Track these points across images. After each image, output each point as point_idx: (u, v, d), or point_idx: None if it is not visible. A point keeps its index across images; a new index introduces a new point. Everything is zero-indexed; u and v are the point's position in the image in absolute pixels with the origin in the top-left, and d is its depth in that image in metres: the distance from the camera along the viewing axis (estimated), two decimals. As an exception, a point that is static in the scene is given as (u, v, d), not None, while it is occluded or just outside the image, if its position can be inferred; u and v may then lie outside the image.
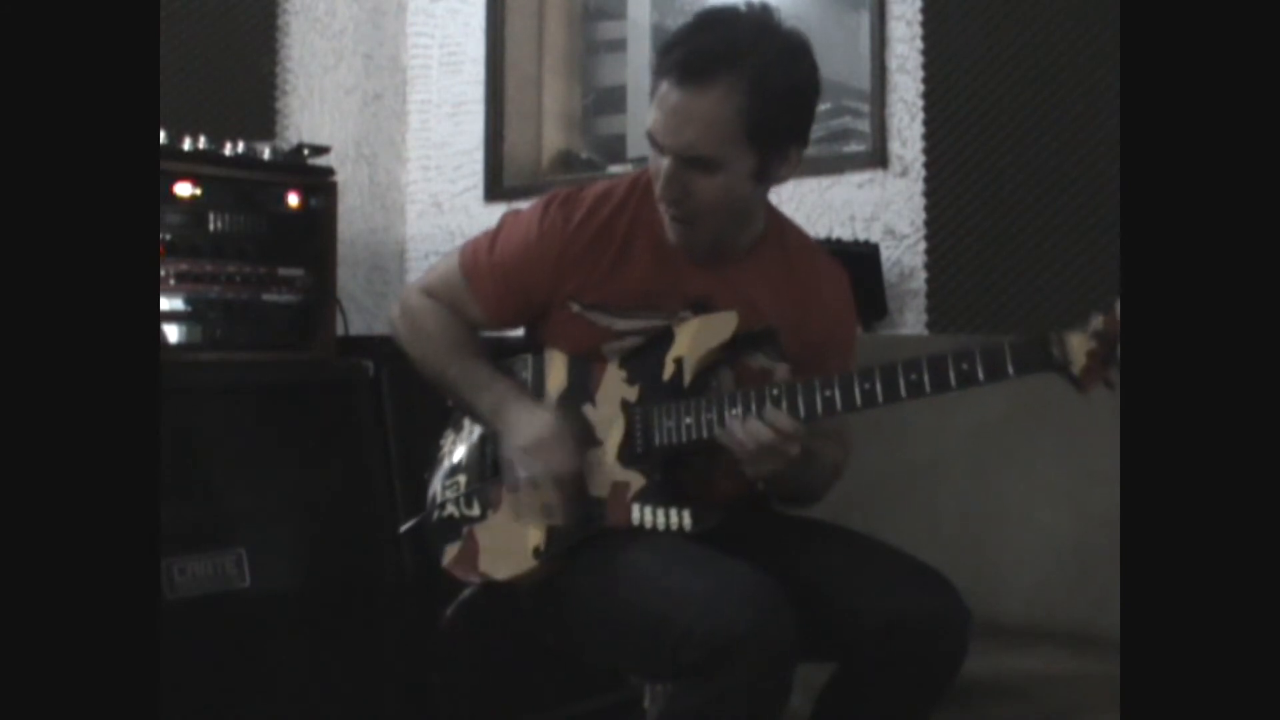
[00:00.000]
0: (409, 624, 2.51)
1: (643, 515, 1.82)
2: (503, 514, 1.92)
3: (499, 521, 1.93)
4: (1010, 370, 1.64)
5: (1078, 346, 1.61)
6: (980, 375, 1.65)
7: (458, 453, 2.01)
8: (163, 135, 2.56)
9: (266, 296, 2.65)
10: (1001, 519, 2.86)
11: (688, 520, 1.79)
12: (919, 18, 3.29)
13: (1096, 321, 1.60)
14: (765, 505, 2.03)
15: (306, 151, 2.76)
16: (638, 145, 4.16)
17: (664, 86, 1.76)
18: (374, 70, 4.22)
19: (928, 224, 3.26)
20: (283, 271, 2.66)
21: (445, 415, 2.06)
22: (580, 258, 1.89)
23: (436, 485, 2.01)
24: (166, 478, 2.00)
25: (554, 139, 4.33)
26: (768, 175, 1.82)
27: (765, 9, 1.80)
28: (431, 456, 2.05)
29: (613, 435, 1.87)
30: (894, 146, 3.34)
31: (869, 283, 3.13)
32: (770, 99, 1.74)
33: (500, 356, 2.02)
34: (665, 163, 1.77)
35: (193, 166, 2.57)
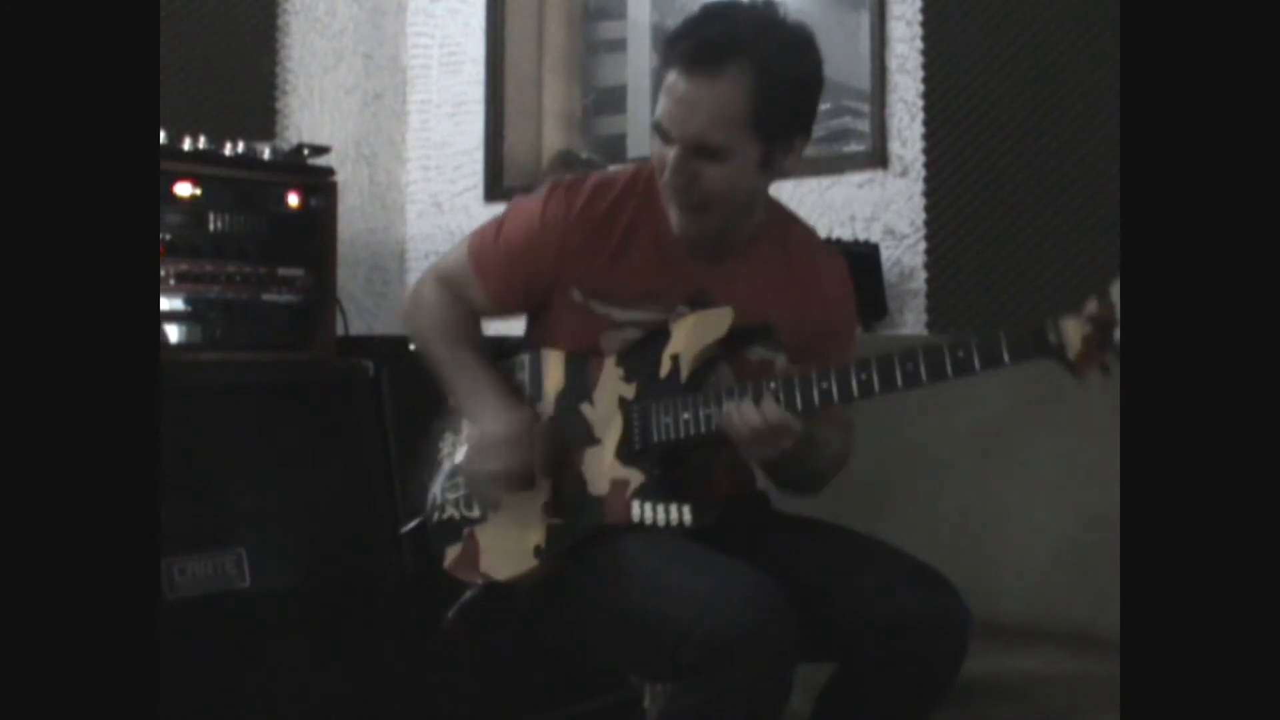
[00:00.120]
0: (409, 624, 2.51)
1: (643, 512, 1.82)
2: (503, 515, 1.93)
3: (499, 522, 1.93)
4: (1006, 358, 1.64)
5: (1073, 332, 1.61)
6: (976, 363, 1.65)
7: (458, 455, 2.01)
8: (163, 135, 2.56)
9: (266, 296, 2.65)
10: (1001, 519, 2.86)
11: (688, 516, 1.79)
12: (919, 18, 3.29)
13: (1091, 306, 1.61)
14: (765, 505, 2.03)
15: (306, 151, 2.76)
16: (638, 145, 4.16)
17: (671, 76, 1.78)
18: (374, 70, 4.22)
19: (928, 224, 3.26)
20: (283, 271, 2.66)
21: (444, 416, 2.06)
22: (583, 244, 1.90)
23: (436, 488, 2.02)
24: (166, 478, 2.00)
25: (554, 139, 4.33)
26: (773, 165, 1.83)
27: (769, 3, 1.82)
28: (430, 459, 2.05)
29: (611, 433, 1.87)
30: (894, 146, 3.34)
31: (869, 283, 3.13)
32: (777, 88, 1.76)
33: (500, 356, 2.02)
34: (673, 152, 1.78)
35: (193, 166, 2.57)
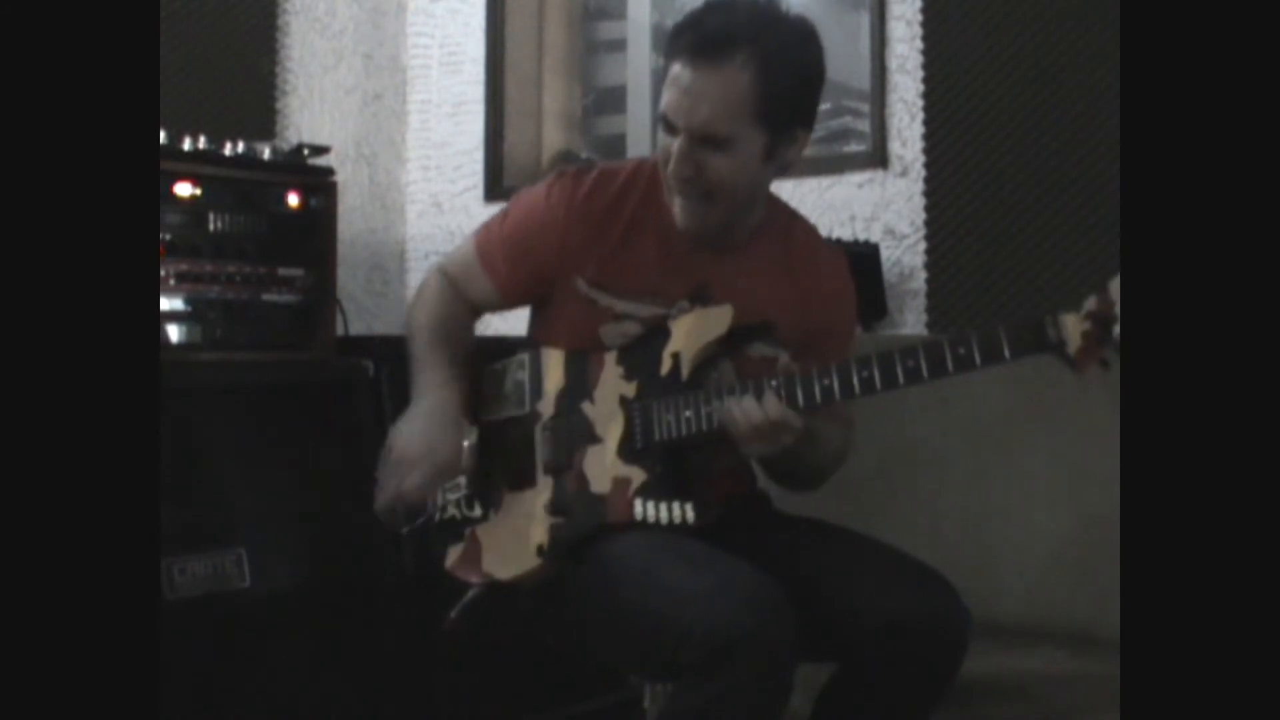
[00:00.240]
0: (409, 624, 2.51)
1: (644, 510, 1.82)
2: (505, 514, 1.92)
3: (501, 522, 1.93)
4: (1006, 353, 1.65)
5: (1072, 327, 1.62)
6: (977, 359, 1.66)
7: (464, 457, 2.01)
8: (163, 135, 2.56)
9: (266, 296, 2.65)
10: (1001, 518, 2.86)
11: (690, 513, 1.79)
12: (919, 18, 3.29)
13: (1090, 302, 1.62)
14: (767, 505, 2.03)
15: (306, 151, 2.76)
16: (638, 145, 4.16)
17: (676, 68, 1.79)
18: (374, 70, 4.22)
19: (928, 224, 3.26)
20: (283, 271, 2.66)
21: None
22: (587, 233, 1.90)
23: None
24: (166, 478, 2.00)
25: (554, 139, 4.33)
26: (776, 157, 1.84)
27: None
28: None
29: (612, 432, 1.87)
30: (894, 146, 3.34)
31: (869, 283, 3.13)
32: (781, 78, 1.77)
33: (500, 356, 2.02)
34: (678, 142, 1.79)
35: (193, 166, 2.57)
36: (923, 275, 3.26)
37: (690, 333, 1.86)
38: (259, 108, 3.85)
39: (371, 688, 2.50)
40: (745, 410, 1.75)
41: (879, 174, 3.36)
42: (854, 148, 3.56)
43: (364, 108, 4.19)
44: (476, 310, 2.05)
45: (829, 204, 3.41)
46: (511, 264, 1.97)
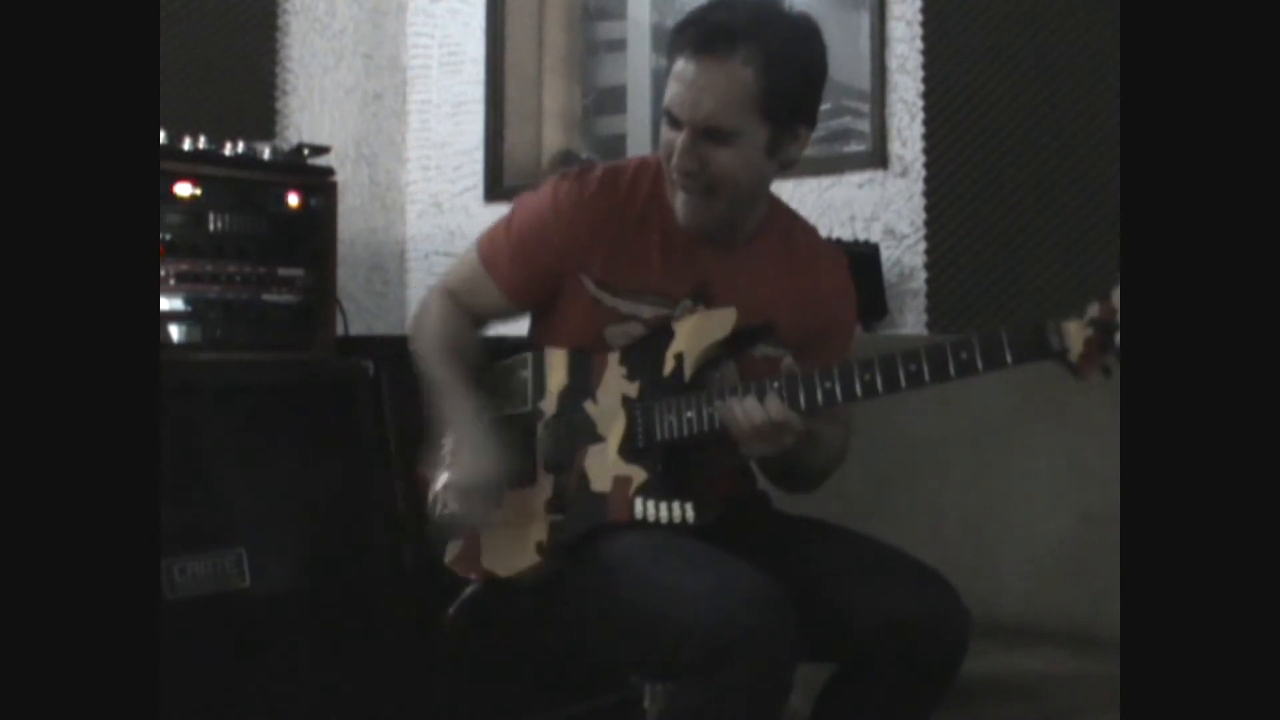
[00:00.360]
0: (409, 624, 2.51)
1: (645, 509, 1.82)
2: (505, 512, 1.93)
3: (501, 519, 1.93)
4: (1008, 358, 1.65)
5: (1075, 334, 1.62)
6: (979, 364, 1.66)
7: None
8: (163, 135, 2.56)
9: (266, 296, 2.65)
10: (1001, 518, 2.85)
11: (690, 513, 1.79)
12: (919, 18, 3.29)
13: (1093, 309, 1.62)
14: (767, 505, 2.03)
15: (306, 151, 2.76)
16: (638, 145, 4.16)
17: (680, 63, 1.80)
18: (374, 70, 4.22)
19: (928, 224, 3.26)
20: (283, 271, 2.67)
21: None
22: (595, 231, 1.90)
23: (439, 485, 2.01)
24: (166, 478, 2.00)
25: (554, 139, 4.33)
26: (778, 153, 1.85)
27: None
28: (431, 460, 2.05)
29: (614, 431, 1.88)
30: (894, 146, 3.34)
31: (869, 283, 3.12)
32: (784, 73, 1.78)
33: (501, 356, 2.02)
34: (682, 136, 1.80)
35: (193, 166, 2.57)
36: (923, 275, 3.26)
37: (694, 334, 1.86)
38: (259, 108, 3.85)
39: (371, 688, 2.51)
40: (747, 411, 1.75)
41: (879, 174, 3.36)
42: (854, 148, 3.56)
43: (364, 108, 4.19)
44: (481, 322, 2.05)
45: (829, 204, 3.40)
46: (519, 267, 1.96)
